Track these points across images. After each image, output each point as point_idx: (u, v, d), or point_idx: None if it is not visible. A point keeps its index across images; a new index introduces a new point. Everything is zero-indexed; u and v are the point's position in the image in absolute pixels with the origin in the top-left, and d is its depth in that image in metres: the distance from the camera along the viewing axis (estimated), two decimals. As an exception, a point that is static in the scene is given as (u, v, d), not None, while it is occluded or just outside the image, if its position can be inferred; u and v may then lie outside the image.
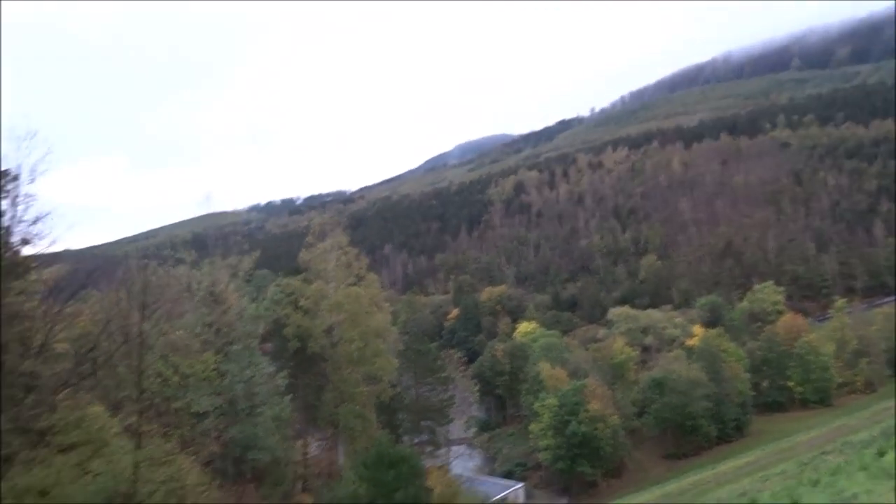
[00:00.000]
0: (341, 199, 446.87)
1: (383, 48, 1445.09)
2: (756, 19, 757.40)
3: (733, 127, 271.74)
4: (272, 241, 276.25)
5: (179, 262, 46.16)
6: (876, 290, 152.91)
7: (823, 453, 41.45)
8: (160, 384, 37.92)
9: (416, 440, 55.23)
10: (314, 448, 51.68)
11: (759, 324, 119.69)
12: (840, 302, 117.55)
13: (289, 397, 43.53)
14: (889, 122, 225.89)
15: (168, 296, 48.96)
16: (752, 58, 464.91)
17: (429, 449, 56.56)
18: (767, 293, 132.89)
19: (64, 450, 23.28)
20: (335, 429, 49.80)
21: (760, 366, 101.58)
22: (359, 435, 46.85)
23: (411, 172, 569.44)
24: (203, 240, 50.28)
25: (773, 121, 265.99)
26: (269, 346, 52.37)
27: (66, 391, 26.43)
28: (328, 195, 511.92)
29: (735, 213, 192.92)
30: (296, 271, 52.00)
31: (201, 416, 39.01)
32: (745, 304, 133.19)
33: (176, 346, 40.55)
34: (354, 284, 50.24)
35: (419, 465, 42.11)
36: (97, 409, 27.08)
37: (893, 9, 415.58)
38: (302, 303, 47.05)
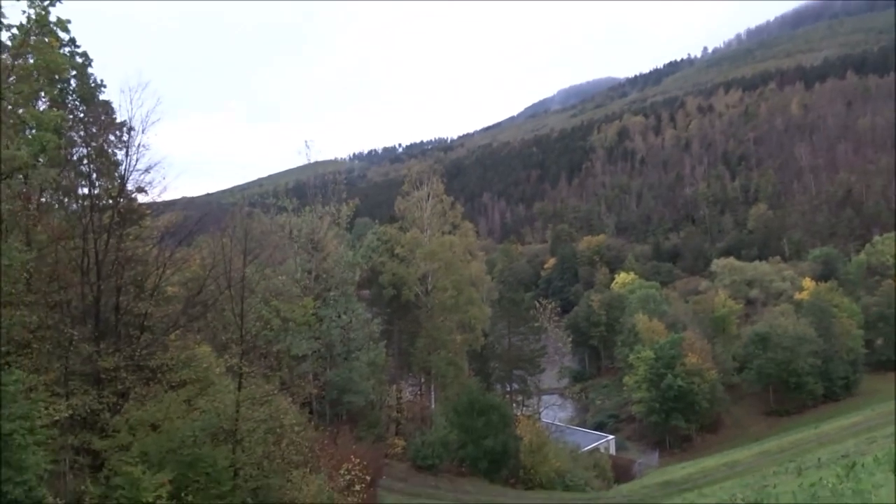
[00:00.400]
0: (441, 146, 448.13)
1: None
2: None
3: (862, 65, 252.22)
4: (373, 188, 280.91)
5: (281, 209, 47.91)
6: None
7: (938, 418, 39.29)
8: (261, 327, 40.01)
9: (508, 389, 55.97)
10: (407, 393, 53.36)
11: (878, 278, 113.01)
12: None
13: (383, 343, 44.98)
14: None
15: (270, 242, 51.18)
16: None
17: (519, 398, 57.23)
18: (888, 245, 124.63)
19: (174, 387, 24.98)
20: (428, 375, 51.18)
21: (876, 322, 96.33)
22: (451, 382, 47.97)
23: (512, 119, 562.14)
24: (305, 188, 51.84)
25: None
26: (366, 292, 54.05)
27: (177, 332, 28.20)
28: (428, 143, 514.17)
29: (858, 159, 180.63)
30: (392, 219, 53.02)
31: (300, 359, 40.90)
32: (862, 256, 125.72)
33: (277, 291, 42.49)
34: (449, 233, 50.79)
35: (508, 414, 42.87)
36: (205, 350, 28.80)
37: None
38: (397, 251, 48.04)
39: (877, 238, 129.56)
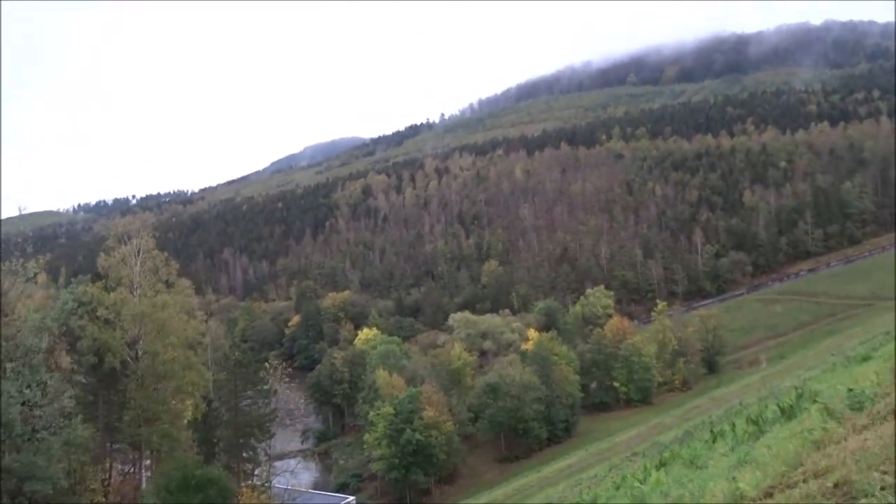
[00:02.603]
0: (180, 199, 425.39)
1: (235, 47, 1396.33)
2: (600, 37, 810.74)
3: (573, 137, 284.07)
4: (99, 243, 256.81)
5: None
6: (694, 293, 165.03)
7: (634, 454, 42.93)
8: None
9: (236, 458, 51.92)
10: (116, 472, 47.10)
11: (591, 327, 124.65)
12: (661, 305, 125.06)
13: (78, 419, 39.11)
14: (709, 138, 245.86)
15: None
16: (593, 72, 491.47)
17: (249, 467, 53.34)
18: (598, 297, 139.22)
19: None
20: (138, 451, 45.60)
21: (590, 367, 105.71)
22: (165, 457, 43.01)
23: (258, 174, 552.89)
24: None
25: (609, 133, 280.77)
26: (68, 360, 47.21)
27: None
28: (166, 195, 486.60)
29: (572, 220, 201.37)
30: (97, 277, 47.23)
31: (-33, 445, 34.05)
32: (577, 308, 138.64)
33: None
34: (163, 292, 46.27)
35: (228, 488, 39.22)
36: None
37: (717, 34, 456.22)
38: (100, 312, 42.58)
39: (589, 291, 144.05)
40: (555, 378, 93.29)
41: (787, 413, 10.47)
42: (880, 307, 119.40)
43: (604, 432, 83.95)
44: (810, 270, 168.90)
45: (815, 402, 10.02)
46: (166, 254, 48.42)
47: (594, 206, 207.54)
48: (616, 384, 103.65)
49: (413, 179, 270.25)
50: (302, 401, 75.41)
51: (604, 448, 63.26)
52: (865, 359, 24.68)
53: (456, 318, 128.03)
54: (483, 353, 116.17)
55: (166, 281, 47.13)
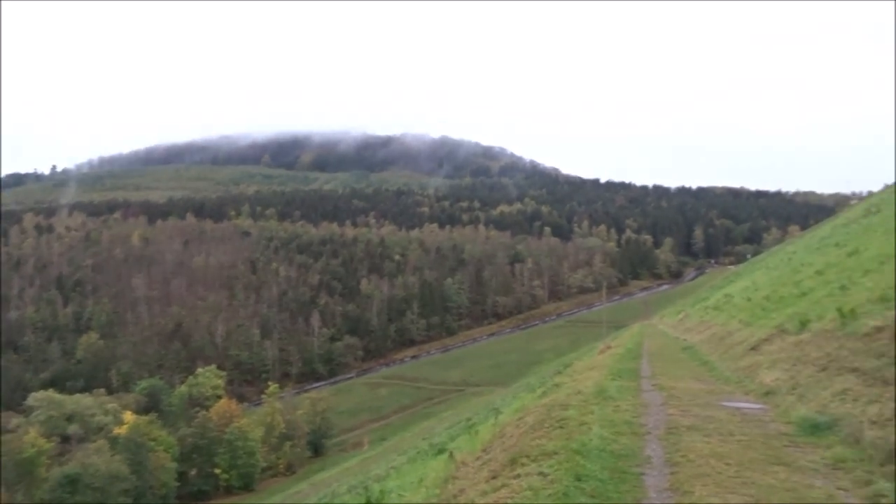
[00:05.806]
0: None
1: None
2: (241, 114, 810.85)
3: (201, 209, 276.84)
4: None
5: None
6: (308, 375, 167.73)
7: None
8: None
9: None
10: None
11: (198, 409, 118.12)
12: (273, 387, 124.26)
13: None
14: (335, 226, 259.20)
15: None
16: (230, 149, 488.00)
17: None
18: (208, 377, 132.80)
19: None
20: None
21: (191, 453, 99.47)
22: None
23: None
24: None
25: (239, 209, 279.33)
26: None
27: None
28: None
29: (190, 294, 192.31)
30: None
31: None
32: (184, 388, 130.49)
33: None
34: None
35: None
36: None
37: (352, 131, 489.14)
38: None
39: (199, 370, 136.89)
40: (149, 466, 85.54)
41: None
42: (469, 392, 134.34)
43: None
44: (413, 357, 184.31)
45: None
46: None
47: (216, 281, 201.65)
48: (217, 471, 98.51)
49: (6, 235, 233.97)
50: None
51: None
52: (441, 451, 26.15)
53: (37, 397, 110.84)
54: (67, 439, 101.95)
55: None
